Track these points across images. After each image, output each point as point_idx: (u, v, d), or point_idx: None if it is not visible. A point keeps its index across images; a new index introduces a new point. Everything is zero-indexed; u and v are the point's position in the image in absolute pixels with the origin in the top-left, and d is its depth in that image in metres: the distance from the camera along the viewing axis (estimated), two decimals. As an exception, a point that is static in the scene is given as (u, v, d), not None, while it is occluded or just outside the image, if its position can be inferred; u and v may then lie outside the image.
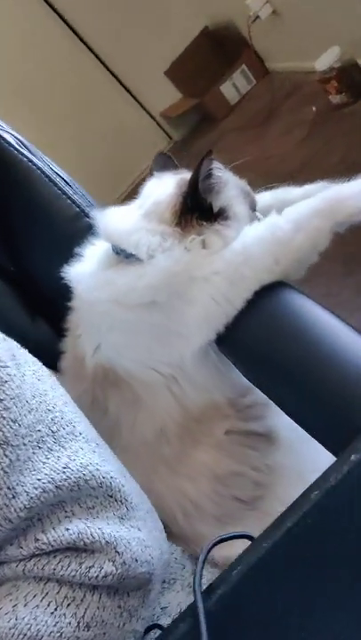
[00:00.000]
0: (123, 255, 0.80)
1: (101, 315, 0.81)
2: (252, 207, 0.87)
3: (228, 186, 0.83)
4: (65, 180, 1.00)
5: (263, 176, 2.77)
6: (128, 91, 3.76)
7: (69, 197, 0.96)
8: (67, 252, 0.89)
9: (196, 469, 0.80)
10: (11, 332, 1.01)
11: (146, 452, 0.81)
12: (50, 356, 0.92)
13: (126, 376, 0.81)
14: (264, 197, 0.96)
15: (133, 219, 0.82)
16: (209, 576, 0.78)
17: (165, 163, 0.93)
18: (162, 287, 0.76)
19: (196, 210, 0.79)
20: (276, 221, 0.77)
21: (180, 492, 0.80)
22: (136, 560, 0.57)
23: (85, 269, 0.84)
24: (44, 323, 1.03)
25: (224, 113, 3.66)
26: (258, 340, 0.73)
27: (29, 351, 1.01)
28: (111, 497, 0.58)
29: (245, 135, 3.28)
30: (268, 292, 0.75)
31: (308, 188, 0.95)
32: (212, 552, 0.79)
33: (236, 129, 3.42)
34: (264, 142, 3.04)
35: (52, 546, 0.52)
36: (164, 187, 0.84)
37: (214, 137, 3.57)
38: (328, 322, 0.69)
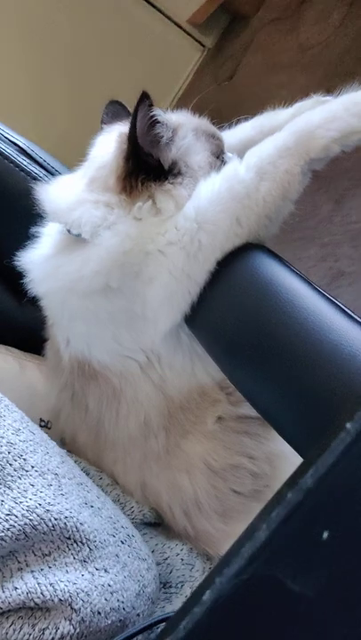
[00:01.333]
0: (72, 235, 0.70)
1: (60, 305, 0.73)
2: (217, 151, 0.72)
3: (180, 132, 0.69)
4: (20, 148, 0.89)
5: (305, 71, 2.48)
6: (149, 2, 3.44)
7: (23, 169, 0.85)
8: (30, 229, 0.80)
9: (188, 462, 0.72)
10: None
11: (134, 447, 0.74)
12: (41, 341, 0.86)
13: (101, 368, 0.73)
14: (243, 130, 0.81)
15: (77, 190, 0.70)
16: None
17: (117, 112, 0.80)
18: (112, 270, 0.65)
19: (142, 169, 0.66)
20: (234, 171, 0.63)
21: (175, 488, 0.72)
22: (99, 612, 0.50)
23: (39, 254, 0.74)
24: (33, 307, 0.96)
25: (255, 5, 3.27)
26: (220, 321, 0.61)
27: (19, 337, 0.95)
28: (69, 539, 0.52)
29: (281, 28, 2.93)
30: (233, 260, 0.63)
31: (299, 106, 0.79)
32: (222, 548, 0.73)
33: (271, 22, 3.06)
34: (301, 32, 2.70)
35: (1, 608, 0.46)
36: (108, 145, 0.71)
37: (247, 36, 3.22)
38: (302, 295, 0.56)
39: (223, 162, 0.71)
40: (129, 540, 0.60)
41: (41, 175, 0.86)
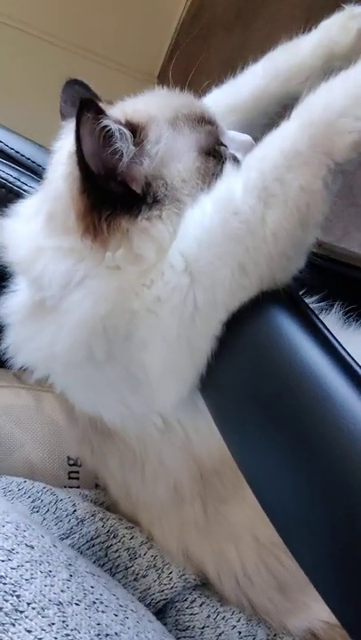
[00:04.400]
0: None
1: (47, 375, 0.59)
2: (210, 142, 0.51)
3: (151, 133, 0.49)
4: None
5: None
6: None
7: (-13, 176, 0.69)
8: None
9: (233, 533, 0.60)
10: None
11: (167, 512, 0.63)
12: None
13: (116, 429, 0.60)
14: (252, 78, 0.61)
15: (35, 230, 0.53)
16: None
17: (79, 97, 0.59)
18: (91, 341, 0.50)
19: (106, 202, 0.48)
20: (227, 193, 0.44)
21: (222, 558, 0.61)
22: None
23: (18, 303, 0.59)
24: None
25: None
26: (226, 401, 0.46)
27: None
28: None
29: None
30: (242, 322, 0.45)
31: (325, 27, 0.57)
32: (285, 620, 0.62)
33: None
34: None
35: None
36: (64, 159, 0.52)
37: None
38: (327, 376, 0.39)
39: (220, 157, 0.51)
40: None
41: (11, 178, 0.69)
